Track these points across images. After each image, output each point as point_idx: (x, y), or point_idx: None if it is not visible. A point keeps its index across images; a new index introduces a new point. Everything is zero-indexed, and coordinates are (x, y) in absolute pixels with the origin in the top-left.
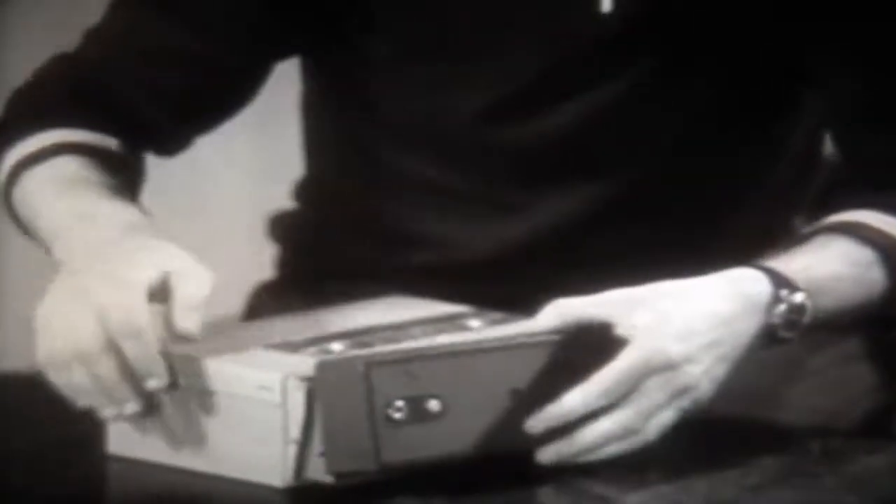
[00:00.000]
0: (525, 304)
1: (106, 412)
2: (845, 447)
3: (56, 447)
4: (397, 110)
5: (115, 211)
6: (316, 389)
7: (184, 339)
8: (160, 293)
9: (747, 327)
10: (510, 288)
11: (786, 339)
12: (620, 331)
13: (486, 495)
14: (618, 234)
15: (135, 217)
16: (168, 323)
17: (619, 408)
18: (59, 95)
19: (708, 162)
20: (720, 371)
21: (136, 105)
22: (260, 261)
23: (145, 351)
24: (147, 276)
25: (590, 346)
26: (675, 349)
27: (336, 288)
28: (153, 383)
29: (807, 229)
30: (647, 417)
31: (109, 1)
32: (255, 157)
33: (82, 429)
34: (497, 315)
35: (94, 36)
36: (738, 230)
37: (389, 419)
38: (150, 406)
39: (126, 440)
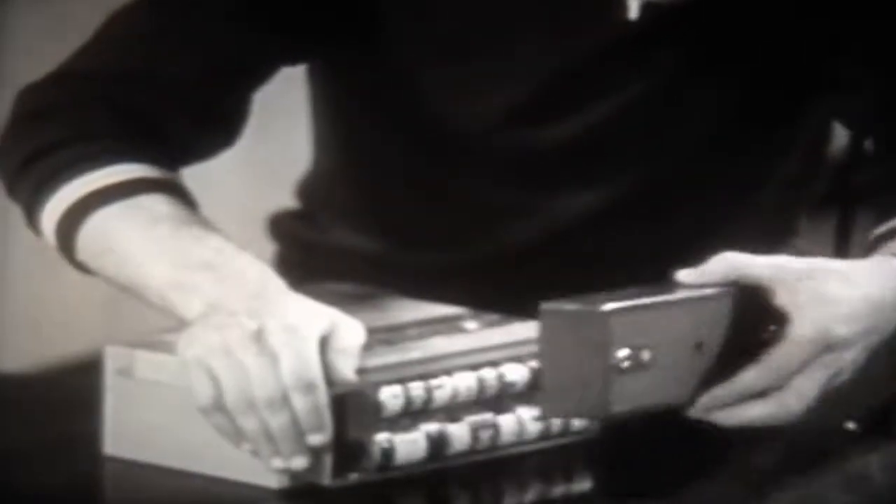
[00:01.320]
0: (529, 303)
1: (275, 463)
2: (845, 446)
3: (53, 447)
4: (411, 114)
5: (243, 259)
6: (541, 334)
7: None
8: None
9: (893, 317)
10: (516, 287)
11: None
12: (781, 301)
13: None
14: (628, 231)
15: (261, 266)
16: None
17: (781, 388)
18: (102, 124)
19: (721, 160)
20: (863, 358)
21: (170, 125)
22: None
23: (315, 405)
24: (320, 327)
25: (749, 305)
26: (839, 332)
27: (335, 288)
28: (316, 439)
29: (882, 229)
30: (803, 398)
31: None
32: (254, 157)
33: (79, 429)
34: (493, 317)
35: (103, 52)
36: (746, 227)
37: (618, 368)
38: (313, 460)
39: (123, 441)
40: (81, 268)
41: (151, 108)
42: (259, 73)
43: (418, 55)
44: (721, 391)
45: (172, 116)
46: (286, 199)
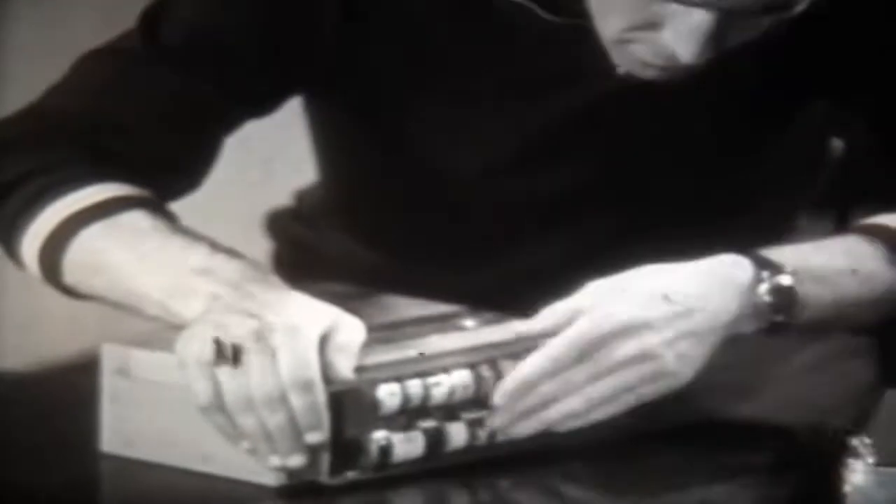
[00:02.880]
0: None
1: (272, 461)
2: (839, 442)
3: (50, 445)
4: (399, 163)
5: (237, 261)
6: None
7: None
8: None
9: (725, 306)
10: (507, 303)
11: (783, 325)
12: (575, 304)
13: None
14: (617, 255)
15: (256, 266)
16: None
17: (575, 371)
18: (72, 154)
19: (710, 184)
20: (689, 346)
21: (132, 167)
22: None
23: (312, 404)
24: (319, 326)
25: None
26: (627, 313)
27: (332, 288)
28: (313, 437)
29: None
30: (604, 382)
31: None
32: (253, 155)
33: (76, 427)
34: (490, 315)
35: (70, 94)
36: (737, 234)
37: None
38: (311, 458)
39: (120, 439)
40: (69, 292)
41: (115, 150)
42: (221, 126)
43: (403, 114)
44: (511, 376)
45: (134, 161)
46: (284, 197)
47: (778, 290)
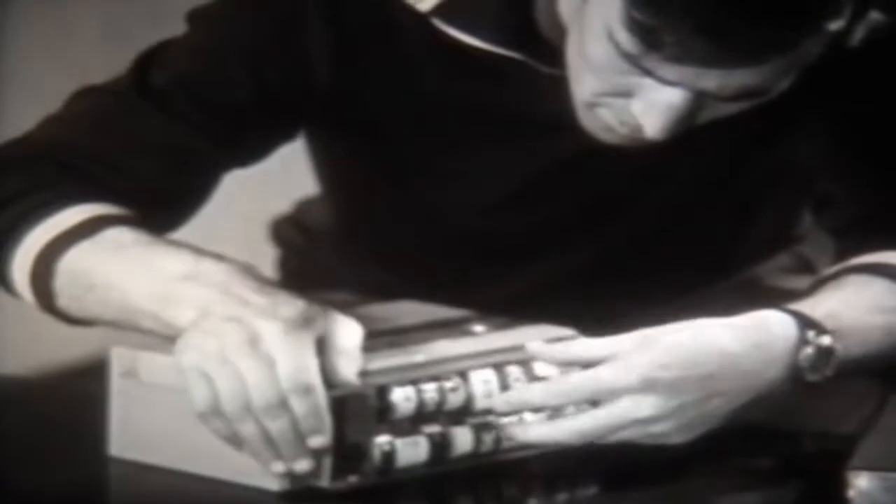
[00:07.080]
0: None
1: (275, 467)
2: (844, 448)
3: (58, 449)
4: (393, 199)
5: (225, 266)
6: None
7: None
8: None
9: (761, 369)
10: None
11: (812, 383)
12: (609, 347)
13: None
14: (605, 286)
15: (245, 270)
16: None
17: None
18: (56, 176)
19: (704, 213)
20: (715, 405)
21: (120, 201)
22: (258, 264)
23: (313, 408)
24: (316, 329)
25: None
26: (650, 370)
27: (333, 296)
28: (316, 441)
29: (831, 269)
30: (600, 430)
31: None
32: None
33: (84, 431)
34: (501, 320)
35: (63, 126)
36: (736, 270)
37: None
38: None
39: (128, 443)
40: (63, 316)
41: (102, 182)
42: (208, 171)
43: (396, 157)
44: (511, 394)
45: (120, 195)
46: (286, 203)
47: (819, 352)
